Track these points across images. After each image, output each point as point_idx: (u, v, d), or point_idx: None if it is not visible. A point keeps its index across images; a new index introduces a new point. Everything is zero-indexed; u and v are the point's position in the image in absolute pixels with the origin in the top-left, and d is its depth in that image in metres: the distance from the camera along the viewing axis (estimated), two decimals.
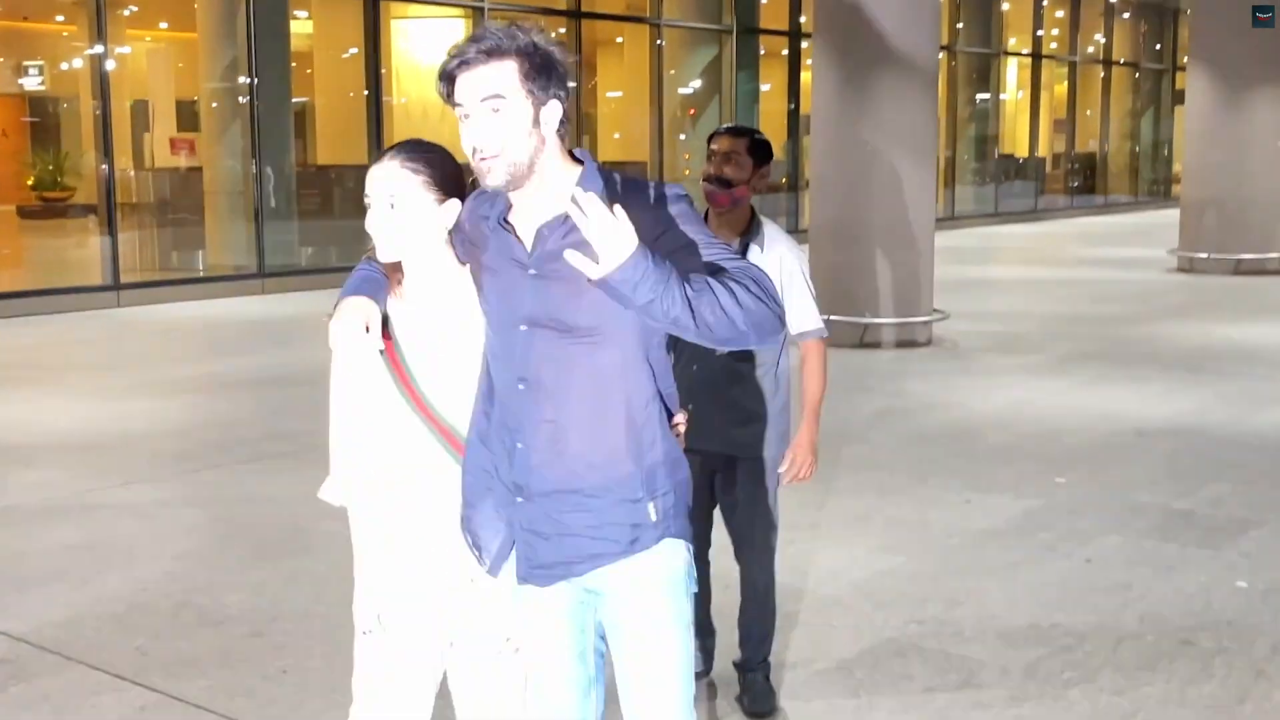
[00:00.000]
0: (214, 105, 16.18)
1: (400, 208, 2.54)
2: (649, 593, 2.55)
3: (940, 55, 12.91)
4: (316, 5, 17.46)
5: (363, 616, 2.69)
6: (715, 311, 2.27)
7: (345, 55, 16.98)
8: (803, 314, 3.99)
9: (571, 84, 2.52)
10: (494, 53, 2.39)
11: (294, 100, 16.95)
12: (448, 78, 2.43)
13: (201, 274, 15.47)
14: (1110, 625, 4.79)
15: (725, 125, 4.39)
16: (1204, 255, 16.79)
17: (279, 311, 13.54)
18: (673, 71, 20.71)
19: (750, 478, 4.02)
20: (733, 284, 2.31)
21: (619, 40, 21.40)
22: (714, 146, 4.05)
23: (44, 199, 21.45)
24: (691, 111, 21.43)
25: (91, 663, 4.47)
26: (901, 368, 10.15)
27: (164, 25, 20.26)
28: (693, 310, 2.26)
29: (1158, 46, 31.85)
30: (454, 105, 2.43)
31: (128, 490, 6.72)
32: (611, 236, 2.18)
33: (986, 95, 26.88)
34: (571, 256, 2.23)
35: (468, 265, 2.63)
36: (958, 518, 6.16)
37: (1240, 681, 4.31)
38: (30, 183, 21.89)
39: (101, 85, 14.23)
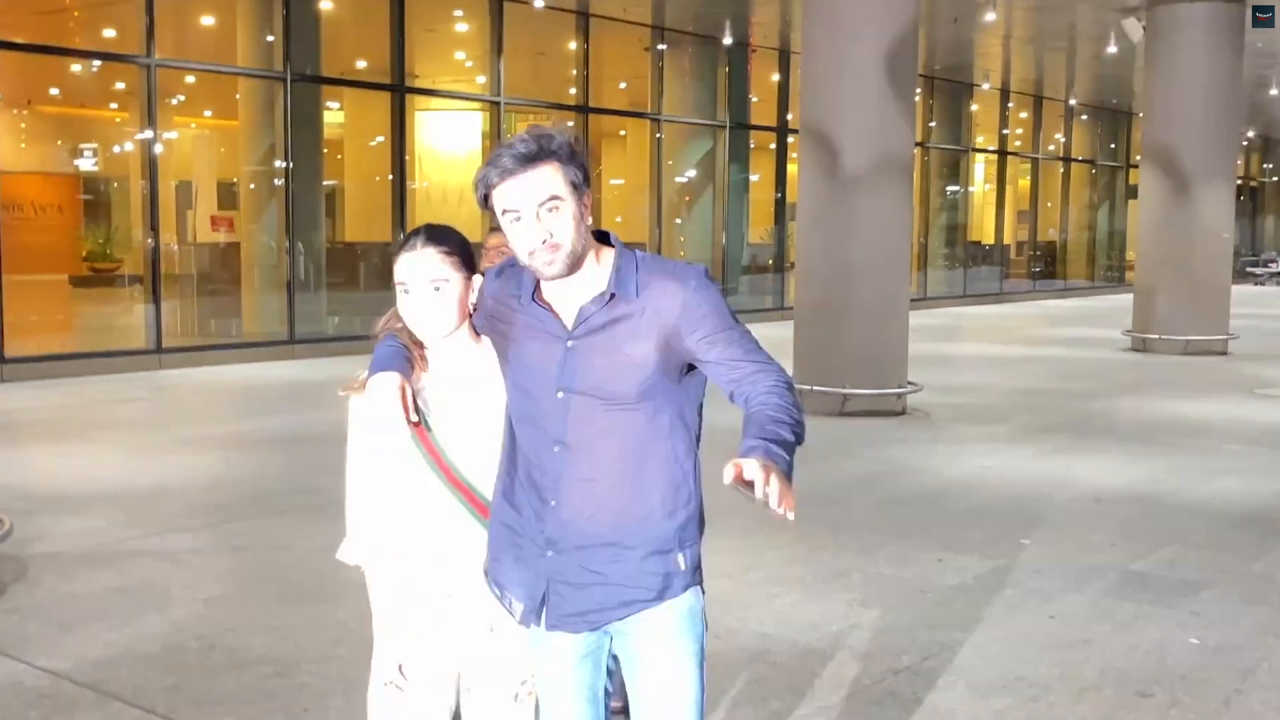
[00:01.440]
0: (252, 186, 16.29)
1: (445, 290, 2.50)
2: (671, 634, 2.51)
3: (915, 150, 13.01)
4: (348, 96, 17.63)
5: (384, 668, 2.64)
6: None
7: (373, 143, 17.14)
8: None
9: None
10: (536, 159, 2.38)
11: (325, 183, 17.07)
12: (488, 185, 2.41)
13: (237, 340, 15.49)
14: (1073, 677, 4.74)
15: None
16: (1155, 336, 16.81)
17: (308, 375, 13.53)
18: (671, 162, 20.87)
19: None
20: (779, 388, 2.41)
21: (622, 133, 21.62)
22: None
23: (94, 269, 21.47)
24: (687, 198, 21.57)
25: (127, 699, 4.42)
26: (878, 436, 10.13)
27: (208, 113, 20.43)
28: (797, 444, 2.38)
29: (1112, 145, 32.14)
30: (501, 211, 2.41)
31: (164, 539, 6.69)
32: (781, 493, 2.17)
33: (956, 187, 27.09)
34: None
35: (483, 338, 2.59)
36: (930, 575, 6.11)
37: None
38: (83, 254, 21.96)
39: (149, 166, 14.32)
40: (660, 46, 19.93)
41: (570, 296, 2.46)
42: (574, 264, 2.42)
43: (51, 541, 6.54)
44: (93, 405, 11.44)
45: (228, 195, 18.54)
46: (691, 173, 21.47)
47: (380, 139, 16.85)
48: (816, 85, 11.19)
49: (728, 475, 2.18)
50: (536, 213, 2.37)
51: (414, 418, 2.49)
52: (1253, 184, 40.85)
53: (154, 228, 14.35)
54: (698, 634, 2.54)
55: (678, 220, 21.22)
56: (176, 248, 17.34)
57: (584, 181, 2.44)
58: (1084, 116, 30.76)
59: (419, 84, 17.41)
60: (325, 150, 16.97)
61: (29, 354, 13.06)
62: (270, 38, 15.37)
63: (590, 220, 2.47)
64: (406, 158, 16.86)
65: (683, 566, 2.49)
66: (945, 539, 6.78)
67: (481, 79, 17.72)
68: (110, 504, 7.38)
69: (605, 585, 2.47)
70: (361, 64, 17.23)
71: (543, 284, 2.48)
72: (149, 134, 14.19)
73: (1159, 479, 8.47)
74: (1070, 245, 31.08)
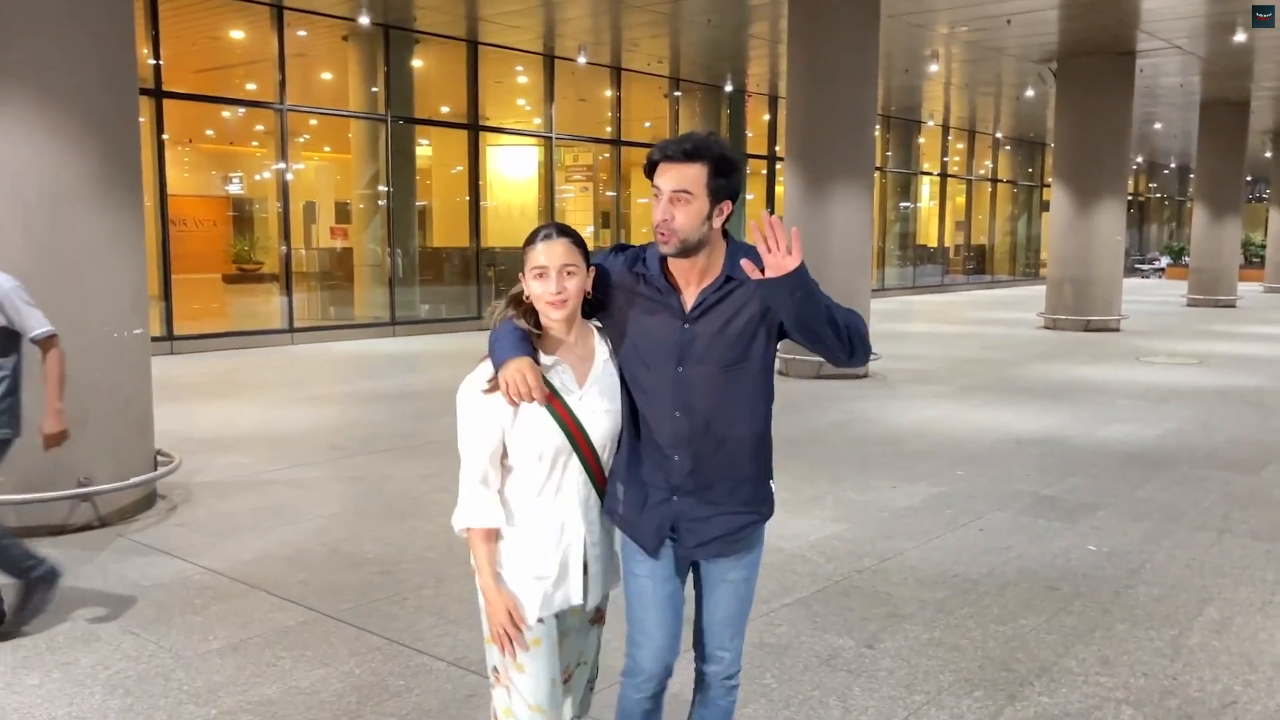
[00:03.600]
0: (361, 206, 16.26)
1: (575, 276, 2.24)
2: (749, 556, 2.42)
3: (875, 173, 12.90)
4: (435, 134, 17.56)
5: (495, 626, 2.29)
6: (838, 327, 2.20)
7: (454, 170, 17.06)
8: (32, 320, 3.92)
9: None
10: (693, 155, 2.19)
11: (418, 201, 17.06)
12: (653, 161, 2.23)
13: (351, 321, 15.53)
14: (997, 575, 4.73)
15: None
16: (1063, 316, 16.65)
17: (404, 349, 13.56)
18: None
19: None
20: (850, 319, 2.24)
21: None
22: None
23: (241, 269, 21.60)
24: None
25: (267, 590, 4.47)
26: (846, 394, 10.08)
27: (327, 148, 20.42)
28: (832, 318, 2.18)
29: (1030, 169, 31.71)
30: (653, 183, 2.22)
31: (296, 470, 6.73)
32: (784, 257, 2.09)
33: (908, 203, 26.81)
34: (746, 265, 2.13)
35: (589, 322, 2.35)
36: (887, 498, 6.10)
37: (1091, 616, 4.24)
38: (232, 258, 22.10)
39: (283, 190, 14.34)
40: (676, 93, 19.78)
41: (693, 278, 2.28)
42: (686, 250, 2.23)
43: (210, 473, 6.60)
44: (240, 371, 11.52)
45: (343, 212, 18.55)
46: None
47: (460, 167, 16.79)
48: (799, 121, 11.09)
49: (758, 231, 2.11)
50: (670, 198, 2.19)
51: (545, 390, 2.23)
52: (1141, 199, 40.32)
53: (286, 237, 14.38)
54: (761, 554, 2.48)
55: None
56: (304, 252, 17.39)
57: (726, 191, 2.22)
58: (1007, 146, 30.35)
59: (489, 124, 17.35)
60: (418, 176, 16.94)
61: (192, 333, 13.13)
62: (375, 88, 15.34)
63: (721, 221, 2.25)
64: (480, 182, 16.81)
65: (774, 489, 2.39)
66: (899, 471, 6.76)
67: (538, 120, 17.63)
68: (254, 445, 7.44)
69: (727, 514, 2.33)
70: (445, 108, 17.15)
71: (670, 265, 2.29)
72: (282, 165, 14.20)
73: (1065, 425, 8.40)
74: (997, 248, 30.71)
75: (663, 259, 2.27)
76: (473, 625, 4.07)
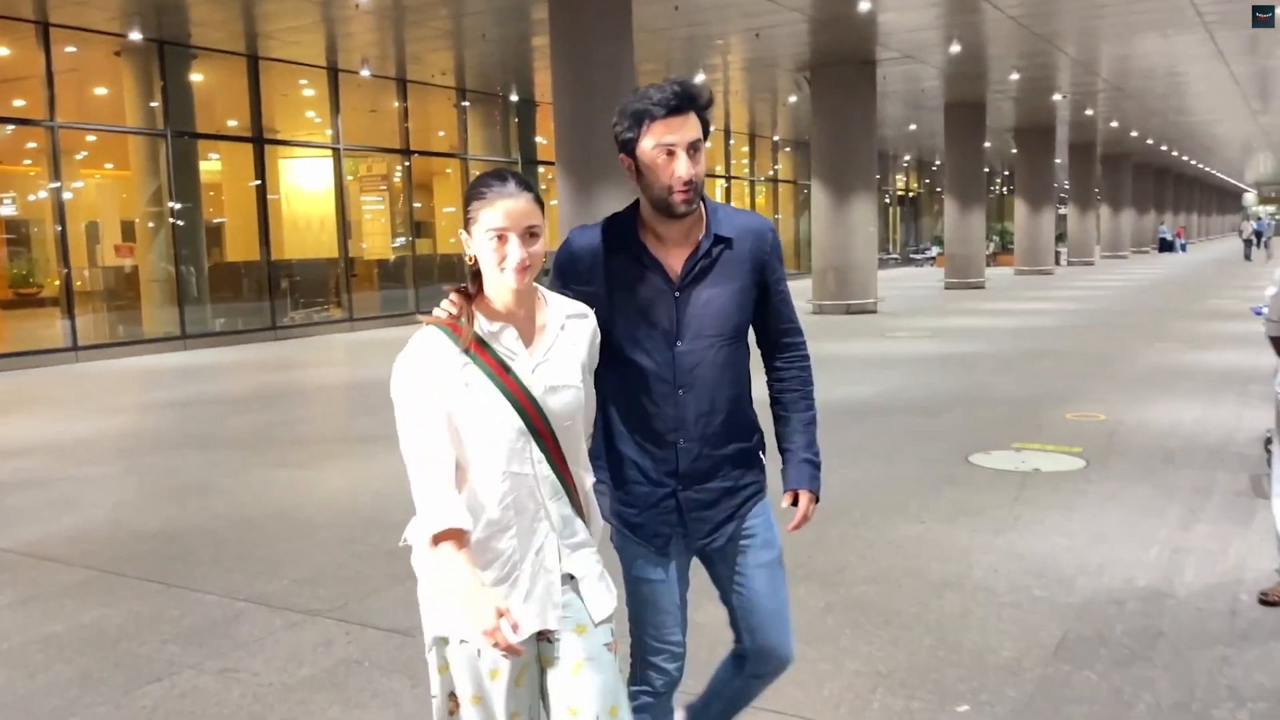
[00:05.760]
0: (150, 223, 16.17)
1: (538, 238, 1.90)
2: (767, 533, 2.28)
3: None
4: (225, 149, 17.55)
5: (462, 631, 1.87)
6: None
7: (251, 184, 17.11)
8: None
9: None
10: (692, 103, 2.02)
11: (211, 215, 17.04)
12: (648, 115, 1.98)
13: (139, 338, 15.43)
14: None
15: None
16: (828, 302, 18.29)
17: (194, 361, 13.70)
18: None
19: None
20: (805, 365, 2.38)
21: (448, 171, 22.02)
22: None
23: (19, 294, 20.80)
24: None
25: (53, 559, 4.95)
26: None
27: (109, 165, 19.96)
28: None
29: (809, 170, 34.02)
30: (656, 142, 1.99)
31: (81, 470, 7.05)
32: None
33: None
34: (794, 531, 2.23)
35: (541, 290, 2.03)
36: None
37: None
38: (9, 283, 21.20)
39: (60, 210, 14.19)
40: (464, 103, 20.47)
41: (679, 240, 2.11)
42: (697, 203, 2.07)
43: None
44: (21, 389, 11.44)
45: (128, 230, 18.26)
46: None
47: (257, 181, 16.90)
48: (565, 131, 11.98)
49: (786, 501, 2.24)
50: (686, 151, 2.01)
51: (471, 331, 1.91)
52: (912, 195, 43.52)
53: (65, 258, 14.23)
54: (774, 523, 2.29)
55: None
56: (87, 272, 17.05)
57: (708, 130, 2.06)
58: (786, 148, 32.50)
59: (276, 137, 17.55)
60: (211, 191, 16.93)
61: None
62: (153, 103, 15.34)
63: None
64: (271, 195, 16.99)
65: (765, 458, 2.27)
66: None
67: (329, 131, 17.93)
68: (39, 451, 7.69)
69: (730, 495, 2.20)
70: (233, 122, 17.21)
71: (648, 234, 2.11)
72: (57, 184, 14.05)
73: None
74: (785, 244, 32.86)
75: (630, 228, 2.11)
76: (246, 568, 4.74)
